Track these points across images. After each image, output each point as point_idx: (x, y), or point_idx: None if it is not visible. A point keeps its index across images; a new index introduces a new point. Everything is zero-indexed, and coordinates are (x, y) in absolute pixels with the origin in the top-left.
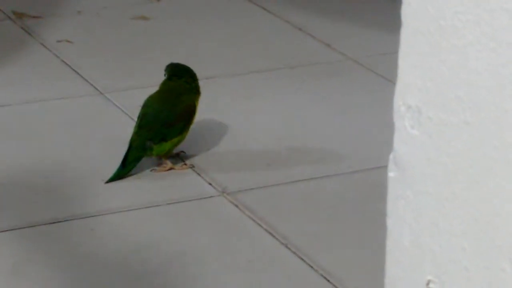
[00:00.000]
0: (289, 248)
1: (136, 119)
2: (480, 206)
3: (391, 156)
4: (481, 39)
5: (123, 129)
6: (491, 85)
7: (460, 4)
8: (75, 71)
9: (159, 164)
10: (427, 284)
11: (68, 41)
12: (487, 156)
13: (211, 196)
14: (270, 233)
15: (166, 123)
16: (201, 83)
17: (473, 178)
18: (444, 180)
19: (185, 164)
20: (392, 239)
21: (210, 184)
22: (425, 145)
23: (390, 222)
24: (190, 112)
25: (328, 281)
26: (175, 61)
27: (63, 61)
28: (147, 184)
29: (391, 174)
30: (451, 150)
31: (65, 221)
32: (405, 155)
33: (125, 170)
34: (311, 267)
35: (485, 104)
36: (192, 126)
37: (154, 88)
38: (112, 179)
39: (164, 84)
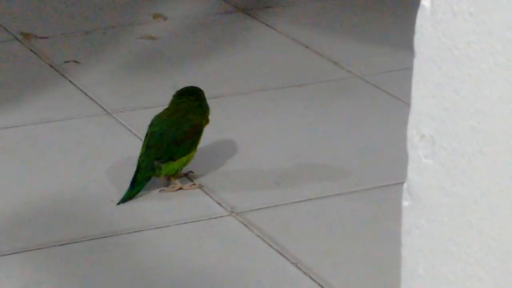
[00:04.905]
0: (299, 268)
1: (144, 138)
2: (495, 235)
3: (405, 186)
4: (494, 68)
5: (131, 149)
6: (505, 115)
7: (473, 33)
8: (83, 91)
9: (167, 185)
10: None
11: (75, 61)
12: (502, 186)
13: (220, 216)
14: (280, 253)
15: (173, 141)
16: (208, 102)
17: (488, 207)
18: (458, 210)
19: (194, 184)
20: (407, 268)
21: (219, 204)
22: (439, 175)
23: (404, 251)
24: (196, 131)
25: None
26: (182, 80)
27: (70, 81)
28: (156, 204)
29: (405, 203)
30: (465, 179)
31: (74, 242)
32: (419, 184)
33: (134, 190)
34: (322, 286)
35: (499, 134)
36: (200, 146)
37: (161, 108)
38: (123, 201)
39: (172, 103)
